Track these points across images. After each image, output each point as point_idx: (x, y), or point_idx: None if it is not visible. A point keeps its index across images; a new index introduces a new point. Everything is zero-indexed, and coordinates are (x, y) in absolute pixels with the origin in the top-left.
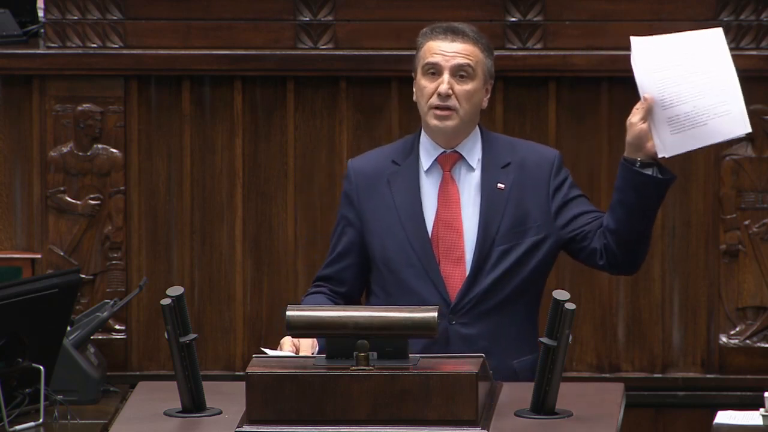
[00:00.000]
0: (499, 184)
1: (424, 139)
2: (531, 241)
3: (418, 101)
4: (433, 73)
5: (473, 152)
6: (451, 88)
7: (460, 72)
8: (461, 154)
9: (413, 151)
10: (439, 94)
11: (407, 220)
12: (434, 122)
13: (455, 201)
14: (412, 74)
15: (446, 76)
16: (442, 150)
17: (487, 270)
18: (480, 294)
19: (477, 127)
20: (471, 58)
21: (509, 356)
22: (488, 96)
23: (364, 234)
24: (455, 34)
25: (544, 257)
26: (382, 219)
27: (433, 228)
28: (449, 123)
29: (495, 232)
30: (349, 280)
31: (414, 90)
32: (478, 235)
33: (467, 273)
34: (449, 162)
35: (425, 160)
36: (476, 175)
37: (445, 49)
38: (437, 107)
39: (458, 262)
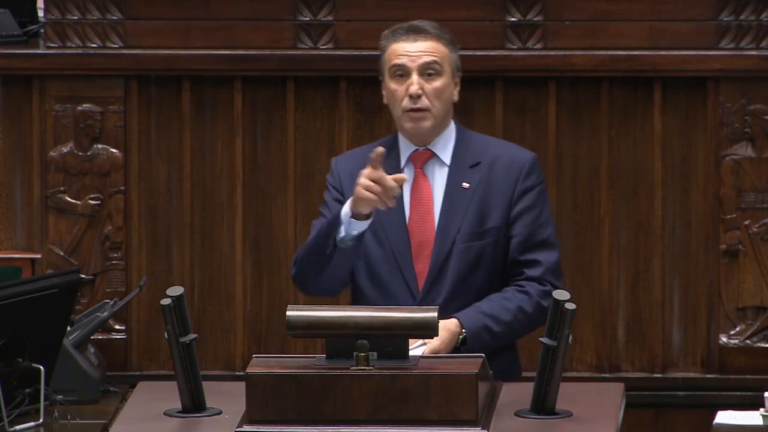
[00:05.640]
0: (464, 183)
1: (401, 138)
2: (490, 242)
3: (391, 104)
4: (401, 75)
5: (446, 149)
6: (421, 87)
7: (427, 70)
8: (433, 152)
9: (393, 150)
10: (411, 96)
11: (385, 216)
12: (409, 125)
13: (427, 198)
14: (379, 77)
15: (415, 77)
16: (415, 148)
17: (449, 268)
18: (445, 293)
19: (453, 123)
20: (436, 54)
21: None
22: (458, 89)
23: None
24: (417, 33)
25: (504, 258)
26: None
27: (408, 225)
28: (424, 124)
29: (456, 230)
30: None
31: (384, 93)
32: (437, 233)
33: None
34: (421, 159)
35: (402, 159)
36: (447, 172)
37: (410, 50)
38: (411, 110)
39: (429, 259)
